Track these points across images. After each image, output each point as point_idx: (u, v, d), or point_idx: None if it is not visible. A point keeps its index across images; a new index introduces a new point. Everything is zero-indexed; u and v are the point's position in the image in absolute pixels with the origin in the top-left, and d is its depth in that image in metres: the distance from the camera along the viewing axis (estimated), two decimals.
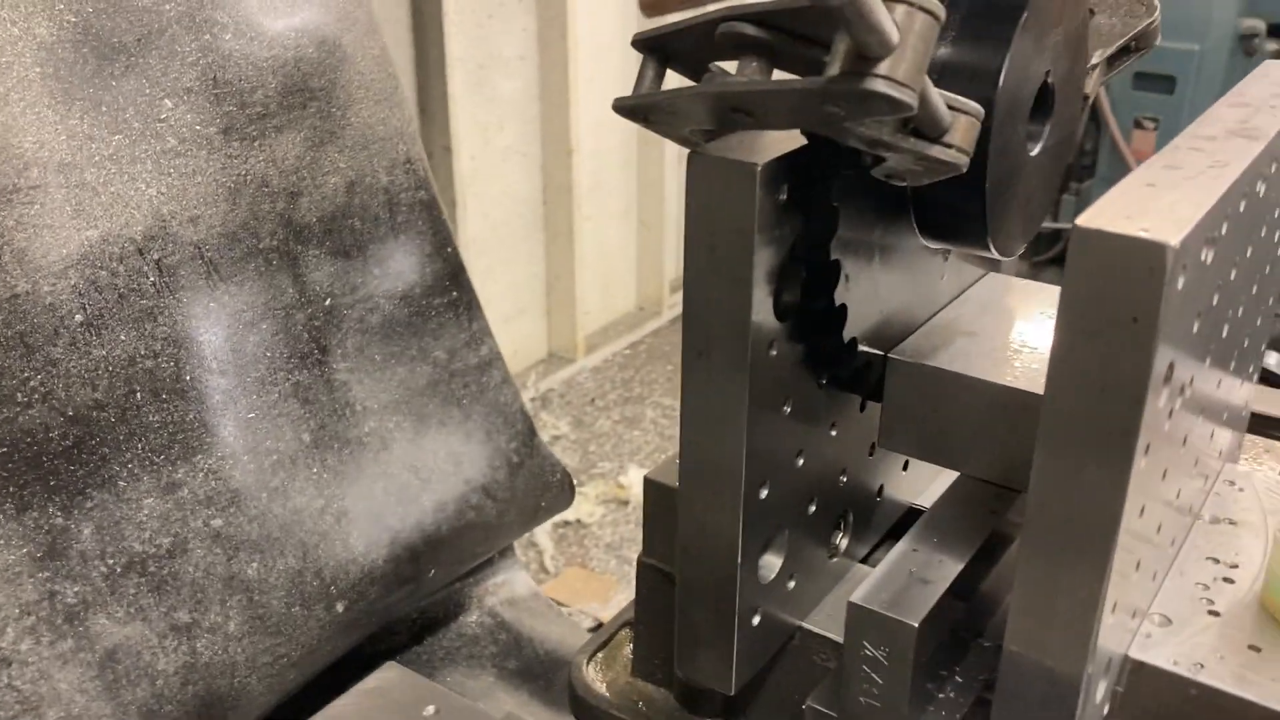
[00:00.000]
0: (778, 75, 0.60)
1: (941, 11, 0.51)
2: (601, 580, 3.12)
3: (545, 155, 3.93)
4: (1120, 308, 0.53)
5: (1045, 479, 0.58)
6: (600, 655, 0.93)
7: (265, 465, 1.10)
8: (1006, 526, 0.81)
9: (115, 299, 1.01)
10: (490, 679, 1.31)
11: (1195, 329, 0.62)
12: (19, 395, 0.95)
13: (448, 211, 1.31)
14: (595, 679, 0.91)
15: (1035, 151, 0.75)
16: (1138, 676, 0.67)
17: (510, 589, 1.45)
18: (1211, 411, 0.74)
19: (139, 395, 1.02)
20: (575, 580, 3.09)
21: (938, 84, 0.57)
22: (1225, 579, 0.73)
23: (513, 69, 3.72)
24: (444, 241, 1.28)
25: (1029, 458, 0.71)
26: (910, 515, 0.92)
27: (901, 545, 0.75)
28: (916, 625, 0.67)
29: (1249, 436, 0.94)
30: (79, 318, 0.99)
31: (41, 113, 0.97)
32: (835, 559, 0.84)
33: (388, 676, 0.84)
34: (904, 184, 0.67)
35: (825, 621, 0.81)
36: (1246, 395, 0.88)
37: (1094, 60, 0.85)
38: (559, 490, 1.42)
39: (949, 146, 0.58)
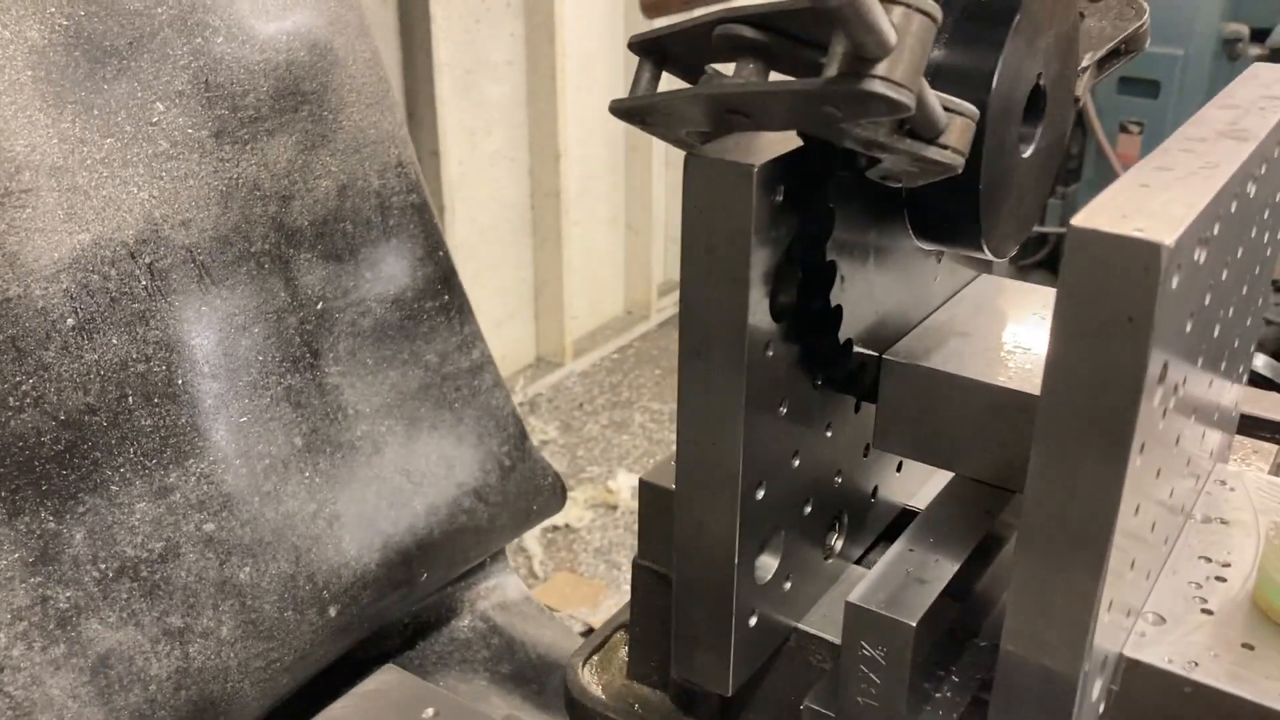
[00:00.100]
0: (774, 77, 0.61)
1: (938, 13, 0.51)
2: (591, 585, 3.12)
3: (533, 160, 3.93)
4: (1116, 307, 0.53)
5: (1041, 478, 0.59)
6: (595, 658, 0.93)
7: (257, 469, 1.09)
8: (1000, 527, 0.81)
9: (107, 303, 1.01)
10: (483, 683, 1.31)
11: (1188, 329, 0.62)
12: (11, 399, 0.94)
13: (435, 216, 1.31)
14: (591, 682, 0.91)
15: (1028, 153, 0.75)
16: (1133, 675, 0.68)
17: (502, 593, 1.45)
18: (1203, 411, 0.75)
19: (131, 399, 1.02)
20: (564, 585, 3.08)
21: (932, 86, 0.57)
22: (1218, 578, 0.74)
23: (500, 74, 3.72)
24: (435, 245, 1.28)
25: (1023, 458, 0.72)
26: (904, 516, 0.92)
27: (898, 545, 0.75)
28: (914, 625, 0.68)
29: (1237, 438, 0.95)
30: (71, 321, 0.98)
31: (33, 116, 0.97)
32: (830, 560, 0.84)
33: (387, 679, 0.83)
34: (899, 185, 0.67)
35: (821, 622, 0.81)
36: (1236, 396, 0.88)
37: (1084, 63, 0.86)
38: (550, 494, 1.42)
39: (945, 148, 0.59)
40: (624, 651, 0.93)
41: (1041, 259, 4.65)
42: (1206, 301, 0.65)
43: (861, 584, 0.72)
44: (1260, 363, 1.30)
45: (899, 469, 0.90)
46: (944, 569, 0.73)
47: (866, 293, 0.74)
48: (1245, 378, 0.91)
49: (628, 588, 2.98)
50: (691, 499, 0.73)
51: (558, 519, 3.28)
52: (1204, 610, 0.71)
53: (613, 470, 3.65)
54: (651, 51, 0.66)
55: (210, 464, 1.06)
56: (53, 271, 0.97)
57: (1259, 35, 4.28)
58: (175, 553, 1.03)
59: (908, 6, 0.50)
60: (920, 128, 0.57)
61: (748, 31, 0.57)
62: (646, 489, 0.86)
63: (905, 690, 0.69)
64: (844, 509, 0.84)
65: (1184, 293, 0.58)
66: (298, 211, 1.15)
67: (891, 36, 0.49)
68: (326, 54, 1.17)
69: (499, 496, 1.32)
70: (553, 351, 4.21)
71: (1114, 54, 0.88)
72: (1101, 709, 0.68)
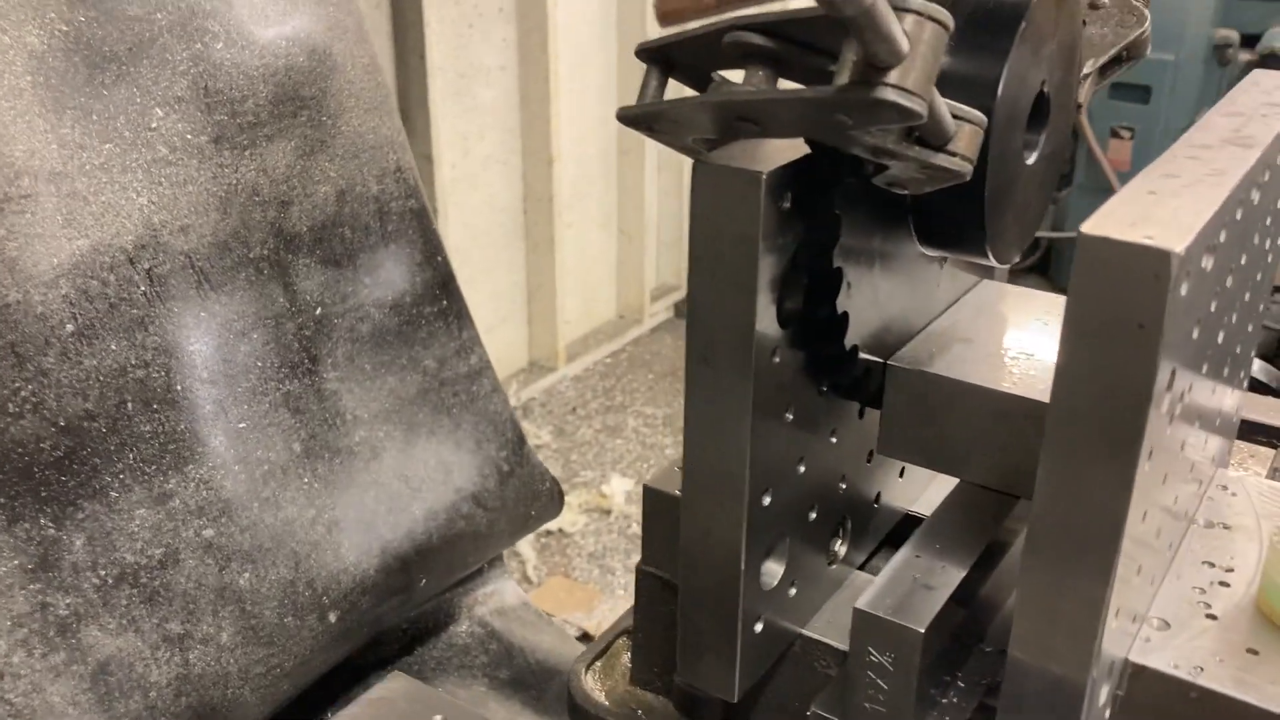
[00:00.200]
0: (782, 84, 0.61)
1: (950, 21, 0.51)
2: (585, 590, 3.12)
3: (526, 164, 3.93)
4: (1126, 313, 0.54)
5: (1050, 484, 0.59)
6: (598, 664, 0.93)
7: (256, 475, 1.09)
8: (1002, 533, 0.81)
9: (106, 308, 1.00)
10: (482, 689, 1.30)
11: (1195, 335, 0.62)
12: (10, 406, 0.94)
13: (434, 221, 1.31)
14: (594, 688, 0.91)
15: (1031, 160, 0.76)
16: (1138, 680, 0.68)
17: (500, 598, 1.45)
18: (1206, 417, 0.75)
19: (130, 405, 1.01)
20: (559, 590, 3.08)
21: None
22: (1221, 583, 0.74)
23: (493, 78, 3.72)
24: (434, 250, 1.28)
25: (1028, 463, 0.72)
26: (906, 522, 0.92)
27: (904, 551, 0.76)
28: (922, 631, 0.68)
29: (1234, 443, 0.95)
30: (70, 327, 0.98)
31: (32, 121, 0.97)
32: (834, 566, 0.84)
33: (394, 686, 0.83)
34: (905, 192, 0.67)
35: (825, 628, 0.81)
36: (1237, 401, 0.89)
37: (1086, 70, 0.86)
38: (548, 499, 1.42)
39: (953, 155, 0.59)
40: (627, 657, 0.93)
41: (1033, 264, 4.66)
42: (1212, 308, 0.66)
43: (869, 590, 0.72)
44: (1256, 367, 1.31)
45: (901, 475, 0.90)
46: (951, 575, 0.73)
47: (872, 299, 0.74)
48: (1245, 383, 0.91)
49: (622, 592, 2.98)
50: (698, 505, 0.73)
51: (551, 524, 3.28)
52: (1208, 615, 0.71)
53: (606, 475, 3.65)
54: (658, 59, 0.66)
55: (209, 470, 1.06)
56: (52, 277, 0.97)
57: (1249, 41, 4.30)
58: (175, 559, 1.02)
59: (920, 14, 0.50)
60: (930, 135, 0.57)
61: (757, 39, 0.57)
62: (651, 495, 0.86)
63: (913, 696, 0.69)
64: (848, 515, 0.84)
65: (1192, 300, 0.58)
66: (296, 217, 1.15)
67: (904, 44, 0.49)
68: (325, 59, 1.16)
69: (497, 502, 1.32)
70: (545, 356, 4.21)
71: (1115, 61, 0.89)
72: (1107, 714, 0.68)
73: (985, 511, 0.80)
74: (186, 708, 1.01)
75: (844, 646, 0.79)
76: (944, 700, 0.74)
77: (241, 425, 1.09)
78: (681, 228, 4.70)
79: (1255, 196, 0.70)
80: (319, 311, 1.16)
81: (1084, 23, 0.85)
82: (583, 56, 4.04)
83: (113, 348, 1.00)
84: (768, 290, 0.66)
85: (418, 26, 3.32)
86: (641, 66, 0.66)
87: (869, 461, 0.85)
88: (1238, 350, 0.81)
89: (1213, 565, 0.76)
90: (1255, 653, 0.68)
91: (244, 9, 1.10)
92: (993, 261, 0.74)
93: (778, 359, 0.69)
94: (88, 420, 0.98)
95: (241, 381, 1.09)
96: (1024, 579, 0.61)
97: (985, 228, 0.71)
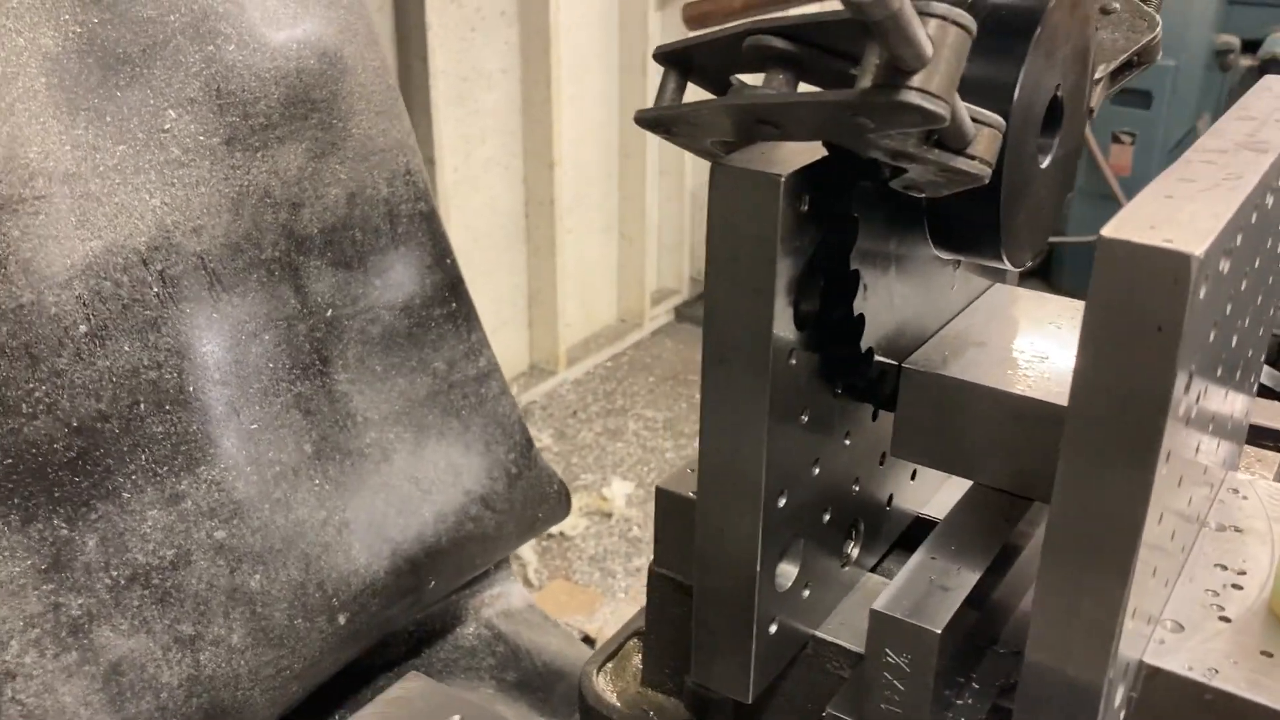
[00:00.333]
0: (802, 87, 0.61)
1: (973, 25, 0.52)
2: (586, 593, 3.12)
3: (527, 168, 3.93)
4: (1145, 316, 0.54)
5: (1068, 486, 0.59)
6: (610, 665, 0.93)
7: (268, 476, 1.09)
8: (1014, 535, 0.82)
9: (119, 309, 1.01)
10: (490, 691, 1.31)
11: (1211, 338, 0.63)
12: (24, 406, 0.94)
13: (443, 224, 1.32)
14: (605, 688, 0.91)
15: (1045, 164, 0.76)
16: (1153, 682, 0.68)
17: (506, 601, 1.45)
18: (1219, 420, 0.75)
19: (142, 406, 1.02)
20: (560, 593, 3.08)
21: None
22: (1234, 585, 0.74)
23: (495, 82, 3.72)
24: (443, 253, 1.29)
25: (1041, 466, 0.72)
26: (917, 525, 0.92)
27: (920, 553, 0.76)
28: (939, 632, 0.68)
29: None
30: (83, 328, 0.98)
31: (47, 123, 0.97)
32: (847, 568, 0.84)
33: (411, 686, 0.83)
34: (922, 195, 0.67)
35: (838, 630, 0.81)
36: (1247, 405, 0.89)
37: (1098, 74, 0.87)
38: (556, 502, 1.42)
39: (972, 158, 0.59)
40: (638, 659, 0.93)
41: (1035, 268, 4.66)
42: (1227, 311, 0.66)
43: (885, 592, 0.72)
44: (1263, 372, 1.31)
45: (913, 478, 0.91)
46: (966, 577, 0.73)
47: (887, 302, 0.74)
48: (1256, 387, 0.92)
49: (622, 596, 2.98)
50: (714, 507, 0.73)
51: (552, 527, 3.29)
52: (1221, 618, 0.72)
53: (607, 478, 3.65)
54: (677, 62, 0.66)
55: (221, 471, 1.06)
56: (65, 278, 0.97)
57: (1250, 47, 4.31)
58: (186, 560, 1.03)
59: (944, 19, 0.50)
60: (949, 138, 0.57)
61: (778, 43, 0.58)
62: (663, 496, 0.87)
63: (929, 697, 0.69)
64: (860, 517, 0.84)
65: (1210, 303, 0.59)
66: (308, 219, 1.15)
67: (929, 48, 0.49)
68: (336, 62, 1.17)
69: (506, 504, 1.32)
70: (546, 359, 4.21)
71: (1126, 66, 0.89)
72: (1122, 716, 0.68)
73: (999, 514, 0.80)
74: (197, 709, 1.01)
75: (857, 648, 0.79)
76: (959, 702, 0.74)
77: (253, 426, 1.09)
78: (682, 232, 4.71)
79: (1270, 200, 0.71)
80: (330, 313, 1.17)
81: (1096, 28, 0.85)
82: (584, 61, 4.05)
83: (125, 349, 1.01)
84: (785, 292, 0.67)
85: (420, 30, 3.33)
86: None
87: (881, 464, 0.85)
88: (1249, 354, 0.82)
89: (1225, 568, 0.76)
90: (1269, 655, 0.68)
91: (256, 12, 1.10)
92: (1007, 265, 0.75)
93: (794, 361, 0.70)
94: (101, 421, 0.99)
95: (253, 383, 1.10)
96: (1042, 580, 0.62)
97: (1000, 231, 0.71)
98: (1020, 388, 0.75)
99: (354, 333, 1.19)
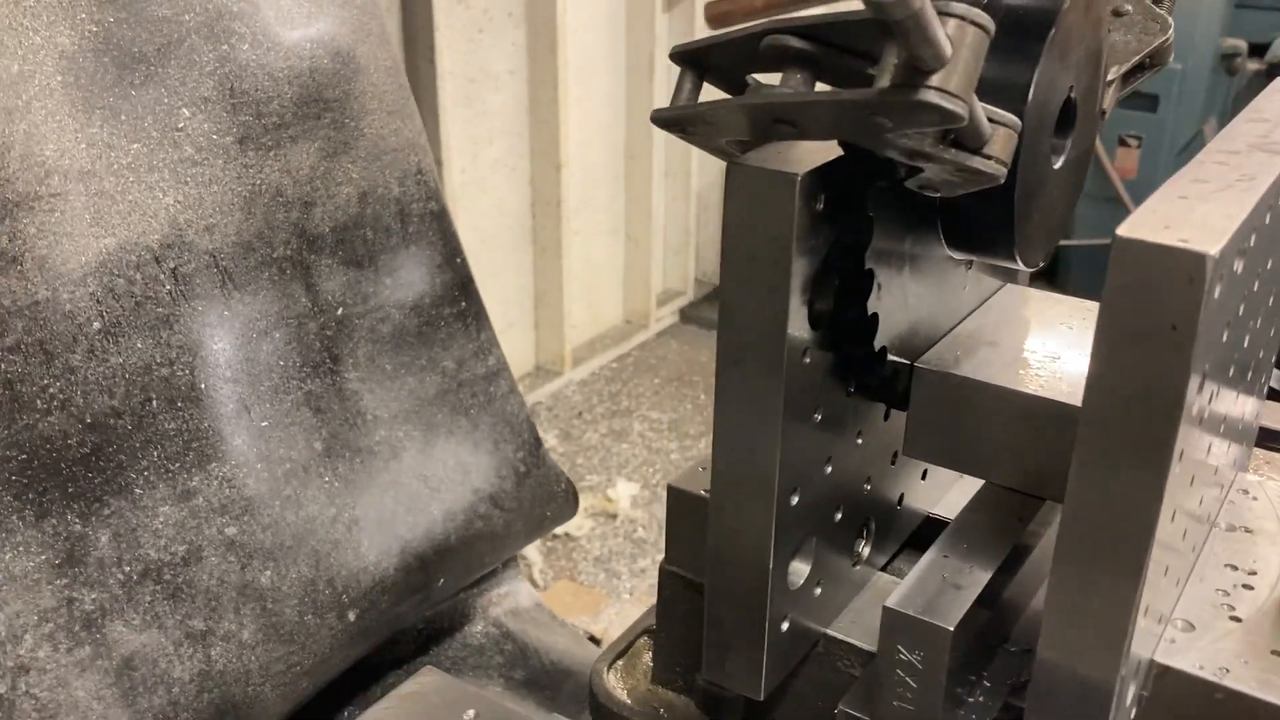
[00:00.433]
0: (818, 87, 0.62)
1: (992, 25, 0.52)
2: (591, 593, 3.12)
3: (534, 169, 3.94)
4: (1160, 316, 0.54)
5: (1081, 485, 0.59)
6: (620, 662, 0.93)
7: (278, 474, 1.10)
8: (1026, 535, 0.82)
9: (132, 306, 1.01)
10: (498, 689, 1.31)
11: (1224, 338, 0.63)
12: (38, 402, 0.95)
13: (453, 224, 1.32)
14: (616, 686, 0.91)
15: (1058, 164, 0.76)
16: (1163, 681, 0.68)
17: (514, 600, 1.46)
18: (1231, 420, 0.75)
19: (155, 403, 1.02)
20: (565, 593, 3.08)
21: None
22: (1244, 585, 0.75)
23: (502, 83, 3.73)
24: (454, 252, 1.29)
25: (1053, 465, 0.73)
26: (928, 524, 0.93)
27: (932, 552, 0.76)
28: (952, 629, 0.68)
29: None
30: (97, 325, 0.99)
31: (63, 121, 0.97)
32: (858, 567, 0.85)
33: (426, 681, 0.84)
34: (937, 195, 0.68)
35: (849, 628, 0.82)
36: (1258, 406, 0.89)
37: (1110, 76, 0.87)
38: (564, 501, 1.42)
39: (989, 158, 0.59)
40: (648, 656, 0.94)
41: (1042, 270, 4.66)
42: (1240, 312, 0.66)
43: (898, 589, 0.72)
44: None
45: (924, 477, 0.91)
46: (978, 575, 0.73)
47: (901, 301, 0.75)
48: (1266, 390, 0.92)
49: (627, 596, 2.98)
50: (727, 505, 0.73)
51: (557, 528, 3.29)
52: (1232, 617, 0.72)
53: (612, 479, 3.66)
54: (693, 62, 0.67)
55: (232, 468, 1.06)
56: (80, 275, 0.98)
57: (1257, 50, 4.31)
58: (198, 556, 1.03)
59: (963, 19, 0.51)
60: (966, 138, 0.58)
61: (796, 42, 0.58)
62: (675, 495, 0.87)
63: (941, 694, 0.70)
64: (871, 516, 0.84)
65: (1224, 303, 0.59)
66: (319, 218, 1.16)
67: (948, 48, 0.50)
68: (349, 62, 1.17)
69: (514, 503, 1.32)
70: (552, 360, 4.22)
71: (1138, 68, 0.90)
72: (1133, 714, 0.68)
73: (1011, 513, 0.80)
74: (208, 704, 1.02)
75: (868, 646, 0.79)
76: (971, 699, 0.74)
77: (264, 424, 1.09)
78: (688, 234, 4.71)
79: None
80: (340, 312, 1.17)
81: (1108, 30, 0.86)
82: (591, 62, 4.06)
83: (138, 345, 1.01)
84: (800, 291, 0.67)
85: (428, 31, 3.34)
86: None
87: (893, 463, 0.85)
88: (1261, 355, 0.82)
89: (1235, 568, 0.76)
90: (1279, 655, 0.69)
91: (270, 11, 1.11)
92: (1020, 265, 0.75)
93: (808, 360, 0.70)
94: (114, 417, 0.99)
95: (264, 380, 1.10)
96: (1054, 579, 0.62)
97: (1014, 231, 0.72)
98: (1032, 387, 0.75)
99: (364, 331, 1.20)
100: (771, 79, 0.64)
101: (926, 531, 0.91)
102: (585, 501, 3.49)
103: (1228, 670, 0.67)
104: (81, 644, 0.95)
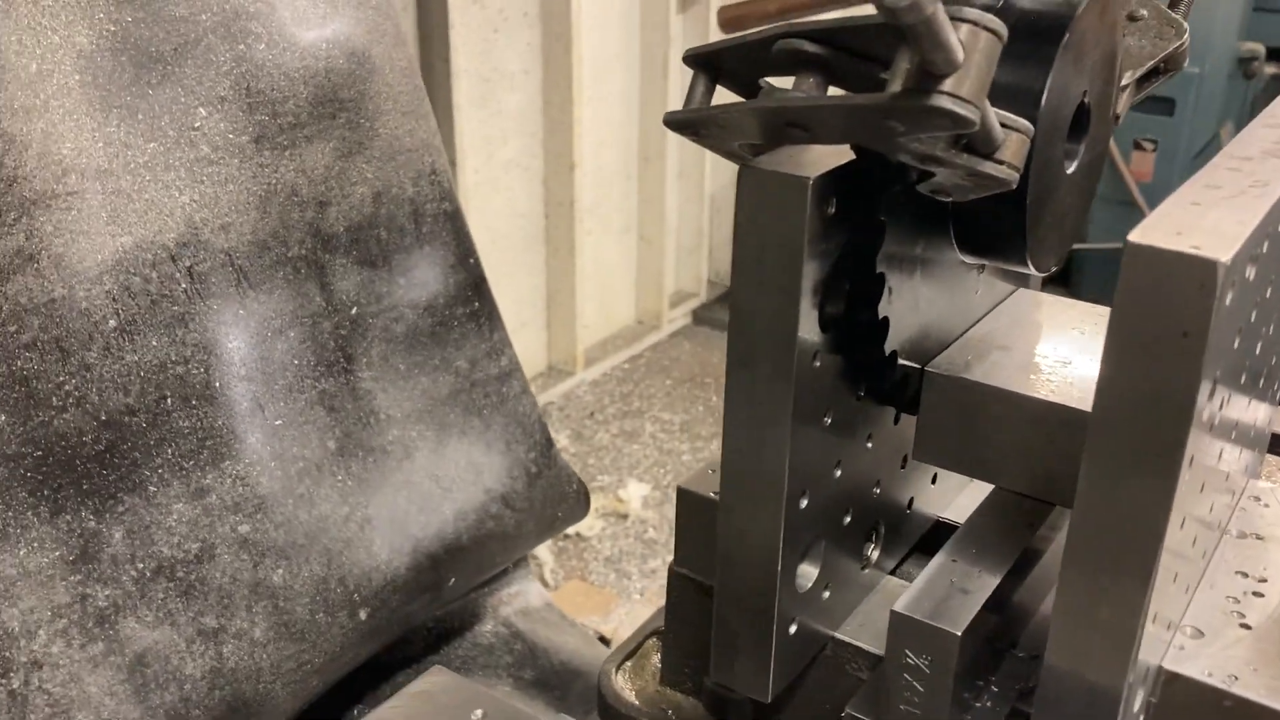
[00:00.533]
0: (831, 91, 0.62)
1: (1004, 31, 0.52)
2: (601, 594, 3.13)
3: (547, 169, 3.94)
4: (1171, 322, 0.54)
5: (1091, 490, 0.59)
6: (629, 664, 0.93)
7: (292, 472, 1.10)
8: (1035, 540, 0.82)
9: (148, 305, 1.02)
10: (507, 688, 1.31)
11: (1236, 344, 0.63)
12: (54, 399, 0.95)
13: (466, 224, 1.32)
14: (624, 687, 0.91)
15: (1071, 169, 0.76)
16: (1172, 688, 0.68)
17: (524, 599, 1.46)
18: (1242, 427, 0.75)
19: (169, 401, 1.03)
20: (575, 593, 3.09)
21: None
22: (1255, 593, 0.74)
23: (517, 83, 3.74)
24: (467, 252, 1.30)
25: (1063, 471, 0.73)
26: (937, 528, 0.93)
27: (941, 556, 0.76)
28: (959, 634, 0.68)
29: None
30: (112, 323, 0.99)
31: (80, 120, 0.98)
32: (866, 570, 0.85)
33: (435, 680, 0.84)
34: (949, 199, 0.68)
35: (858, 632, 0.82)
36: (1270, 412, 0.89)
37: (1124, 81, 0.87)
38: (575, 501, 1.43)
39: (1001, 163, 0.59)
40: (657, 658, 0.94)
41: (1056, 273, 4.65)
42: (1252, 319, 0.66)
43: (906, 594, 0.72)
44: None
45: (934, 481, 0.91)
46: (987, 580, 0.73)
47: (911, 305, 0.75)
48: (1278, 396, 0.92)
49: (638, 597, 2.98)
50: (736, 507, 0.73)
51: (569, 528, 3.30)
52: (1242, 625, 0.72)
53: (623, 479, 3.66)
54: (707, 65, 0.67)
55: (246, 466, 1.07)
56: (96, 273, 0.99)
57: (1275, 54, 4.29)
58: (211, 554, 1.04)
59: (975, 24, 0.51)
60: (978, 143, 0.58)
61: (808, 46, 0.58)
62: (685, 497, 0.87)
63: (948, 699, 0.70)
64: (881, 519, 0.84)
65: (1235, 310, 0.59)
66: (334, 217, 1.16)
67: (960, 53, 0.50)
68: (364, 62, 1.18)
69: (525, 503, 1.33)
70: (564, 360, 4.22)
71: (1153, 72, 0.89)
72: None
73: (1020, 518, 0.80)
74: (220, 701, 1.02)
75: (876, 650, 0.80)
76: (978, 704, 0.74)
77: (278, 422, 1.10)
78: (701, 235, 4.71)
79: None
80: (354, 311, 1.18)
81: (1123, 34, 0.85)
82: (606, 62, 4.06)
83: (154, 343, 1.02)
84: (810, 295, 0.67)
85: (443, 30, 3.34)
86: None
87: (903, 467, 0.85)
88: (1273, 362, 0.82)
89: (1246, 575, 0.76)
90: None
91: (286, 11, 1.11)
92: (1032, 270, 0.75)
93: (818, 363, 0.70)
94: (128, 415, 1.00)
95: (278, 379, 1.11)
96: (1062, 584, 0.62)
97: (1026, 236, 0.72)
98: (1043, 392, 0.75)
99: (378, 331, 1.20)
100: (785, 82, 0.64)
101: (937, 535, 0.91)
102: (596, 502, 3.49)
103: (1236, 678, 0.67)
104: (95, 640, 0.96)
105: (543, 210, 4.00)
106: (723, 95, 0.69)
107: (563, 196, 3.95)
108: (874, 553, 0.85)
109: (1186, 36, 0.89)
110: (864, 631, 0.82)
